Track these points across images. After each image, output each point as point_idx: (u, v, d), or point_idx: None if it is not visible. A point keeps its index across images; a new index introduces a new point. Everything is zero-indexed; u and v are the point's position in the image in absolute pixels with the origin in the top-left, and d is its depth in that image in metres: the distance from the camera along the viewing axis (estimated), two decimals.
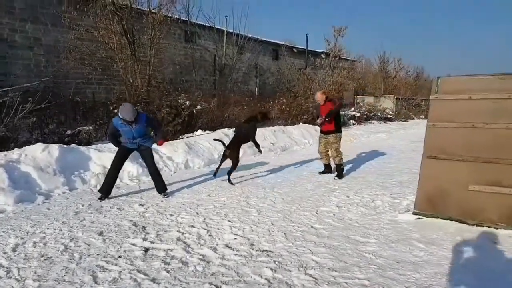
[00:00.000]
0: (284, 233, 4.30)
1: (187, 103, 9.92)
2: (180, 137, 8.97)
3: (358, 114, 20.87)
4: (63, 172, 6.03)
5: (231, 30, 19.73)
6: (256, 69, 23.99)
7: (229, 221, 4.72)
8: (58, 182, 5.83)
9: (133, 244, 3.96)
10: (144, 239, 4.09)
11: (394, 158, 9.81)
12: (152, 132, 6.02)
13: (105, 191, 5.64)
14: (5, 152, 5.89)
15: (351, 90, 29.10)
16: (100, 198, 5.55)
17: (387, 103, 27.38)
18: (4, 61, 12.54)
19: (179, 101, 9.84)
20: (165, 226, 4.52)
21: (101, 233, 4.23)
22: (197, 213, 5.02)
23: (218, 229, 4.45)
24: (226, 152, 6.72)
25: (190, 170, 7.90)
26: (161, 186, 5.93)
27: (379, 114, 23.47)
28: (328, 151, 7.32)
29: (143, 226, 4.49)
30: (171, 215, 4.93)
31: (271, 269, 3.41)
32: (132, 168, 6.83)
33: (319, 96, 7.17)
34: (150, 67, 14.13)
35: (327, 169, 7.55)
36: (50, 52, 13.41)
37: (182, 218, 4.81)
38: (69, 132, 7.84)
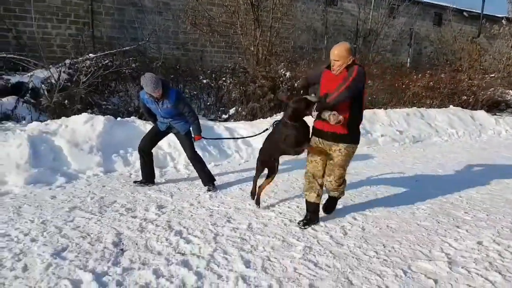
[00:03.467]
0: None
1: (287, 74, 8.05)
2: (273, 116, 7.26)
3: None
4: (103, 149, 5.09)
5: None
6: (411, 36, 20.07)
7: (246, 263, 2.92)
8: (92, 161, 4.90)
9: (75, 282, 2.59)
10: (98, 277, 2.64)
11: None
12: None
13: (146, 179, 4.71)
14: (49, 121, 5.25)
15: None
16: (137, 182, 4.69)
17: None
18: (134, 27, 12.73)
19: (279, 71, 8.05)
20: (152, 254, 3.00)
21: (60, 252, 2.96)
22: (215, 236, 3.35)
23: (219, 277, 2.72)
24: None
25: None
26: (204, 177, 4.61)
27: None
28: (324, 175, 3.58)
29: (122, 249, 3.07)
30: (178, 233, 3.39)
31: None
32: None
33: (336, 55, 3.24)
34: (272, 33, 12.59)
35: (312, 213, 3.65)
36: (179, 17, 13.08)
37: (187, 242, 3.22)
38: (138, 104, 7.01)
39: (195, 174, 4.78)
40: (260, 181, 4.05)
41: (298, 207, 4.10)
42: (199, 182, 4.72)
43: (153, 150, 4.80)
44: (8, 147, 4.53)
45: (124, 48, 8.77)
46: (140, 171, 4.76)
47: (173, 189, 4.57)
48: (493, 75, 14.99)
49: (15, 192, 4.16)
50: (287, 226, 3.60)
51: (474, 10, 21.95)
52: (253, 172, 4.16)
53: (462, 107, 11.46)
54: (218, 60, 14.06)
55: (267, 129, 4.08)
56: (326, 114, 3.21)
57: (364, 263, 2.96)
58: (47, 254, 2.90)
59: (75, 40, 11.02)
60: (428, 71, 12.32)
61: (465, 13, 21.85)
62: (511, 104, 13.55)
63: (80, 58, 8.46)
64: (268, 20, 12.67)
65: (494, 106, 13.14)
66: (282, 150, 3.71)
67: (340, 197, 3.87)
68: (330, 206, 3.87)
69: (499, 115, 12.18)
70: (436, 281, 2.74)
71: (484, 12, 21.68)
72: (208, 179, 4.62)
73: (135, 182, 4.71)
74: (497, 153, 7.61)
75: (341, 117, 3.15)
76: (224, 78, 8.53)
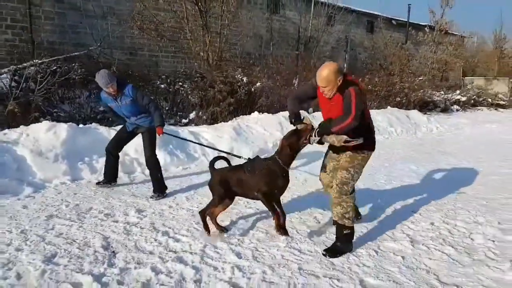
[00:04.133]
0: None
1: (245, 79, 8.35)
2: (233, 120, 7.50)
3: (463, 99, 17.30)
4: (68, 158, 4.99)
5: None
6: (347, 43, 21.36)
7: (237, 254, 3.13)
8: (58, 170, 4.80)
9: (76, 286, 2.62)
10: (98, 278, 2.70)
11: (508, 160, 7.11)
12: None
13: (108, 180, 4.79)
14: (7, 130, 5.03)
15: (457, 70, 24.89)
16: (100, 183, 4.75)
17: (501, 87, 22.72)
18: (77, 31, 12.27)
19: (236, 76, 8.31)
20: (144, 254, 3.10)
21: (50, 258, 2.96)
22: (201, 235, 3.50)
23: (215, 269, 2.89)
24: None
25: (233, 162, 6.40)
26: (155, 185, 4.55)
27: (490, 99, 19.32)
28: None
29: (114, 251, 3.13)
30: (165, 233, 3.51)
31: None
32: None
33: (323, 81, 3.02)
34: (222, 38, 12.83)
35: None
36: (126, 22, 12.81)
37: (176, 241, 3.35)
38: (102, 108, 6.88)
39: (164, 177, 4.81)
40: None
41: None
42: (172, 185, 4.83)
43: (120, 156, 4.85)
44: None
45: (73, 54, 8.49)
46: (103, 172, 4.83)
47: (147, 193, 4.62)
48: (421, 78, 16.52)
49: None
50: (267, 219, 3.86)
51: (401, 19, 23.90)
52: None
53: (397, 107, 12.54)
54: (166, 65, 13.97)
55: (241, 157, 4.04)
56: (330, 139, 3.08)
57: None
58: (38, 261, 2.89)
59: (12, 46, 10.44)
60: (367, 76, 13.25)
61: (393, 21, 23.73)
62: (438, 104, 15.00)
63: (25, 64, 8.07)
64: (216, 26, 12.91)
65: (424, 106, 14.50)
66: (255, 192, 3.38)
67: (346, 226, 3.17)
68: (336, 242, 3.23)
69: (429, 114, 13.47)
70: (403, 257, 3.15)
71: (410, 21, 23.67)
72: (158, 187, 4.53)
73: (97, 183, 4.76)
74: (432, 147, 8.52)
75: (345, 137, 2.99)
76: (180, 83, 8.58)
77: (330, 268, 2.95)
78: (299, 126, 3.29)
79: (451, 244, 3.42)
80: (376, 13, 22.87)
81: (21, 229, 3.46)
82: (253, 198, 3.58)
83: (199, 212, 3.56)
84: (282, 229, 3.47)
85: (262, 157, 3.76)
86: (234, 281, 2.74)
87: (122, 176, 5.21)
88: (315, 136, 3.12)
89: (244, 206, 4.27)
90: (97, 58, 9.73)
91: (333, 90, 3.05)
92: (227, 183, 3.49)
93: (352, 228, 3.20)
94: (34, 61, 8.39)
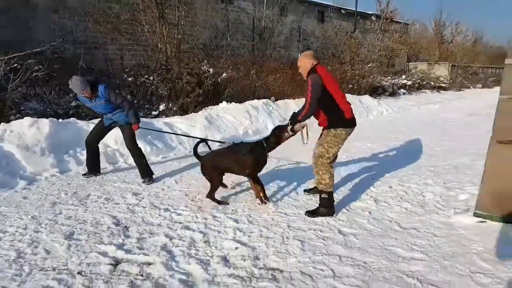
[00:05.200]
0: (301, 242, 3.20)
1: (211, 70, 8.76)
2: (202, 110, 7.91)
3: (409, 83, 18.76)
4: (54, 151, 5.21)
5: None
6: (299, 33, 22.15)
7: (235, 220, 3.65)
8: (46, 163, 5.02)
9: (103, 254, 3.02)
10: (120, 247, 3.12)
11: (448, 134, 8.19)
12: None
13: (91, 170, 5.07)
14: None
15: (403, 56, 26.65)
16: (85, 175, 5.03)
17: (442, 71, 24.75)
18: (28, 25, 11.95)
19: (202, 68, 8.70)
20: (154, 226, 3.54)
21: (70, 236, 3.32)
22: (199, 208, 3.99)
23: (219, 232, 3.41)
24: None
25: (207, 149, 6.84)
26: (142, 171, 4.92)
27: (432, 82, 21.06)
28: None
29: (126, 226, 3.53)
30: (166, 209, 3.94)
31: None
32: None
33: (298, 63, 3.85)
34: (180, 30, 13.03)
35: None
36: (76, 16, 12.62)
37: (178, 215, 3.81)
38: (74, 103, 7.00)
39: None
40: None
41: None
42: (158, 171, 5.22)
43: (101, 148, 5.16)
44: None
45: (35, 50, 8.41)
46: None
47: (136, 180, 4.98)
48: (370, 65, 17.65)
49: None
50: (252, 193, 4.39)
51: (349, 8, 25.11)
52: None
53: (350, 94, 13.47)
54: (116, 58, 13.87)
55: (224, 142, 4.71)
56: (297, 128, 3.76)
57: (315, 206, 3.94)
58: (60, 239, 3.24)
59: None
60: (329, 64, 14.04)
61: (342, 11, 24.86)
62: (386, 88, 16.19)
63: None
64: (172, 17, 13.08)
65: (374, 91, 15.61)
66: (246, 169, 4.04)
67: (320, 192, 3.80)
68: (319, 205, 3.82)
69: (379, 98, 14.57)
70: (370, 212, 3.84)
71: (358, 10, 24.94)
72: (145, 173, 4.87)
73: (83, 175, 5.05)
74: (384, 127, 9.47)
75: (304, 123, 3.69)
76: (146, 76, 8.81)
77: (313, 224, 3.57)
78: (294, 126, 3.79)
79: (407, 200, 4.17)
80: (326, 3, 23.87)
81: (31, 215, 3.74)
82: (242, 175, 4.17)
83: (208, 197, 4.10)
84: (264, 196, 4.07)
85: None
86: (238, 239, 3.27)
87: (107, 166, 5.52)
88: (289, 127, 3.81)
89: (230, 184, 4.78)
90: (61, 54, 9.65)
91: (305, 72, 3.70)
92: (219, 166, 4.11)
93: (329, 194, 3.77)
94: None
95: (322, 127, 3.87)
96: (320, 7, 23.71)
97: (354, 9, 24.88)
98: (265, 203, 4.04)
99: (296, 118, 3.77)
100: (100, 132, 5.00)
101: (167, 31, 12.40)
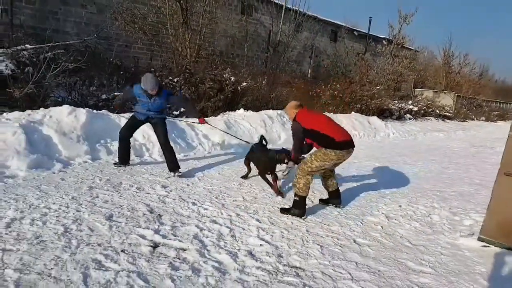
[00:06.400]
0: (320, 246, 3.51)
1: (232, 78, 9.16)
2: (220, 114, 8.28)
3: (415, 109, 19.17)
4: (88, 139, 5.56)
5: (289, 6, 18.54)
6: (312, 50, 22.68)
7: (257, 220, 3.99)
8: (80, 149, 5.36)
9: (142, 236, 3.35)
10: (156, 232, 3.46)
11: (453, 163, 8.54)
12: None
13: (122, 161, 5.44)
14: (29, 111, 5.50)
15: (410, 81, 27.17)
16: (116, 164, 5.40)
17: (447, 100, 25.25)
18: (56, 17, 12.39)
19: (224, 75, 9.09)
20: (184, 217, 3.87)
21: (110, 217, 3.66)
22: (222, 205, 4.33)
23: (244, 229, 3.73)
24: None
25: (226, 151, 7.22)
26: (171, 163, 5.33)
27: (438, 111, 21.52)
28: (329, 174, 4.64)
29: (159, 214, 3.87)
30: (193, 203, 4.28)
31: None
32: None
33: (286, 108, 4.55)
34: (201, 36, 13.49)
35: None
36: (102, 12, 13.09)
37: (205, 209, 4.14)
38: (104, 96, 7.36)
39: None
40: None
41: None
42: (182, 168, 5.56)
43: (131, 140, 5.53)
44: (3, 135, 4.77)
45: (68, 42, 8.82)
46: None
47: (162, 173, 5.32)
48: (378, 87, 18.11)
49: (22, 175, 4.51)
50: (271, 197, 4.74)
51: (362, 30, 25.71)
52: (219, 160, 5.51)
53: (359, 113, 13.88)
54: (140, 57, 14.34)
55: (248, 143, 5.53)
56: (289, 164, 4.72)
57: (333, 218, 4.27)
58: (101, 219, 3.57)
59: None
60: (334, 83, 14.46)
61: (355, 32, 25.47)
62: (393, 112, 16.59)
63: (16, 48, 8.31)
64: (195, 24, 13.58)
65: (381, 113, 16.01)
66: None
67: (295, 194, 4.24)
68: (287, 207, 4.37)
69: (386, 120, 14.97)
70: (382, 227, 4.17)
71: (370, 33, 25.53)
72: (175, 166, 5.31)
73: (114, 164, 5.41)
74: (391, 149, 9.82)
75: (290, 163, 4.65)
76: (170, 77, 9.20)
77: (330, 232, 3.89)
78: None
79: (416, 220, 4.49)
80: (340, 23, 24.47)
81: (71, 196, 4.08)
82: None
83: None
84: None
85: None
86: (261, 237, 3.60)
87: (134, 159, 5.86)
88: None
89: (248, 188, 5.11)
90: (94, 49, 10.04)
91: (291, 119, 4.41)
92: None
93: (300, 197, 4.17)
94: (26, 46, 8.63)
95: None
96: (334, 26, 24.30)
97: (367, 32, 25.47)
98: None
99: (290, 156, 4.61)
100: (133, 126, 5.38)
101: (190, 37, 12.88)
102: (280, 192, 4.90)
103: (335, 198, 4.65)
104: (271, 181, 4.97)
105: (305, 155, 4.52)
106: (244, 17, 17.89)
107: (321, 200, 4.79)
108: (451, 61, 30.81)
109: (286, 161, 4.74)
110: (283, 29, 18.39)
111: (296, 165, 4.51)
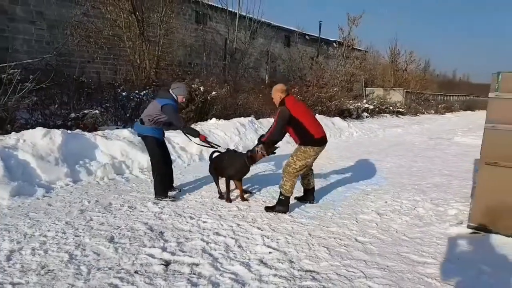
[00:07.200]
0: (327, 248, 3.63)
1: (201, 88, 9.14)
2: (193, 124, 8.23)
3: (371, 107, 20.08)
4: (66, 161, 5.34)
5: (244, 13, 18.76)
6: (268, 56, 23.08)
7: (258, 228, 4.05)
8: (60, 172, 5.14)
9: (151, 256, 3.30)
10: (163, 249, 3.42)
11: (419, 156, 9.09)
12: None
13: (166, 192, 5.00)
14: (1, 137, 5.18)
15: (361, 81, 28.38)
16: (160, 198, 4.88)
17: (397, 96, 26.65)
18: (4, 35, 11.75)
19: (193, 86, 9.06)
20: (186, 232, 3.85)
21: (112, 239, 3.56)
22: (220, 216, 4.35)
23: (248, 238, 3.78)
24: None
25: (204, 162, 7.18)
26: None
27: (391, 107, 22.68)
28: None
29: (161, 232, 3.82)
30: (191, 217, 4.26)
31: None
32: (142, 159, 6.13)
33: (273, 91, 4.63)
34: (159, 47, 13.34)
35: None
36: (53, 28, 12.55)
37: (204, 222, 4.14)
38: (73, 115, 7.08)
39: None
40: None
41: (270, 193, 5.35)
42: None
43: (108, 159, 5.38)
44: None
45: (25, 61, 8.36)
46: (106, 179, 5.40)
47: (149, 190, 5.21)
48: (335, 89, 18.76)
49: (5, 204, 4.27)
50: (266, 203, 4.81)
51: (313, 34, 26.53)
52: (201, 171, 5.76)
53: (322, 115, 14.31)
54: (101, 71, 13.96)
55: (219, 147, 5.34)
56: (260, 151, 4.58)
57: (328, 219, 4.43)
58: (104, 242, 3.48)
59: None
60: (297, 86, 14.81)
61: (307, 36, 26.24)
62: (352, 111, 17.27)
63: None
64: (151, 35, 13.43)
65: (341, 114, 16.61)
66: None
67: (280, 193, 4.56)
68: (271, 206, 4.64)
69: (346, 120, 15.55)
70: (376, 224, 4.37)
71: (321, 36, 26.40)
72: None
73: (157, 198, 4.85)
74: (358, 148, 10.25)
75: (263, 152, 4.56)
76: (137, 91, 9.01)
77: (330, 233, 4.03)
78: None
79: (405, 214, 4.73)
80: (292, 28, 25.11)
81: (65, 221, 3.92)
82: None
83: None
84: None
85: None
86: (267, 244, 3.66)
87: (115, 177, 5.70)
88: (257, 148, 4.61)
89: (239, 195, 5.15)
90: (55, 66, 9.60)
91: (277, 102, 4.51)
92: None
93: (285, 197, 4.50)
94: None
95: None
96: (287, 32, 24.91)
97: (318, 36, 26.33)
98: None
99: (259, 141, 4.63)
100: (164, 149, 5.04)
101: (148, 48, 12.71)
102: (244, 198, 4.99)
103: (310, 195, 4.99)
104: (238, 186, 4.99)
105: (277, 146, 4.71)
106: (201, 26, 17.90)
107: (296, 197, 5.04)
108: (397, 58, 32.57)
109: (257, 150, 4.60)
110: (238, 37, 18.56)
111: (265, 155, 4.60)
